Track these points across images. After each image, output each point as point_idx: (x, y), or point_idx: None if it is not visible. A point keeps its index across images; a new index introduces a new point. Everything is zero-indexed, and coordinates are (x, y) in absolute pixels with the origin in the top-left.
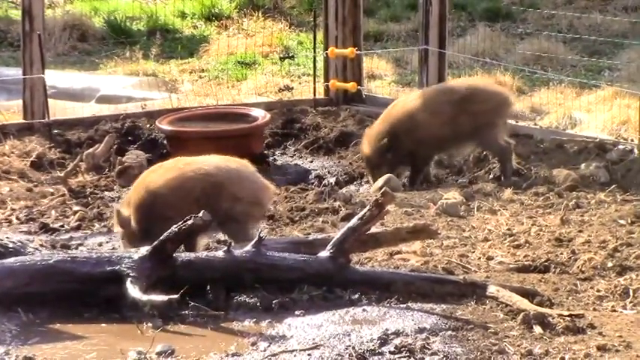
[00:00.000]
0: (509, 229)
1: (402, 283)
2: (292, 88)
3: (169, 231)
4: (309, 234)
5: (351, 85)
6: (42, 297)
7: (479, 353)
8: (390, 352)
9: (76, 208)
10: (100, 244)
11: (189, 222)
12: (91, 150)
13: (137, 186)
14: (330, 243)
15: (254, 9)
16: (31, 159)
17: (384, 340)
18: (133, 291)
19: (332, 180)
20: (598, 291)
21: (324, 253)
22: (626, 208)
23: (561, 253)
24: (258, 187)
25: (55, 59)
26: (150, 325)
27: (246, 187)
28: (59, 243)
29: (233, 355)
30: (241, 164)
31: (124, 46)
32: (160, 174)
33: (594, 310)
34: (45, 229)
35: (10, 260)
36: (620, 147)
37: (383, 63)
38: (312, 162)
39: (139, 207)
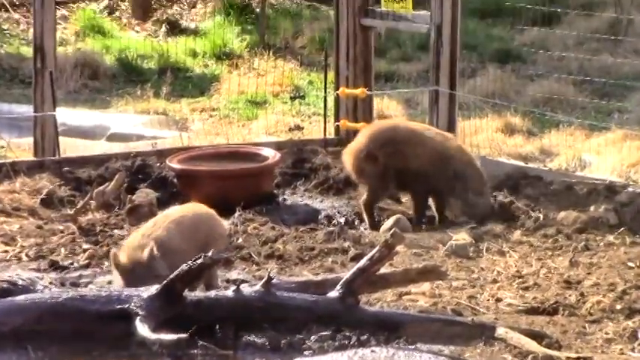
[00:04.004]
0: (518, 271)
1: (410, 324)
2: (303, 128)
3: (179, 270)
4: (319, 274)
5: (361, 126)
6: (51, 334)
7: None
8: None
9: (85, 245)
10: (110, 282)
11: (199, 261)
12: (101, 188)
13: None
14: (340, 283)
15: (265, 48)
16: (42, 196)
17: None
18: (142, 329)
19: (342, 220)
20: (606, 334)
21: (334, 293)
22: (635, 250)
23: (570, 296)
24: None
25: (66, 97)
26: None
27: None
28: (68, 281)
29: None
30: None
31: (135, 85)
32: None
33: (602, 352)
34: (54, 266)
35: (19, 297)
36: (630, 189)
37: (394, 103)
38: (321, 202)
39: None
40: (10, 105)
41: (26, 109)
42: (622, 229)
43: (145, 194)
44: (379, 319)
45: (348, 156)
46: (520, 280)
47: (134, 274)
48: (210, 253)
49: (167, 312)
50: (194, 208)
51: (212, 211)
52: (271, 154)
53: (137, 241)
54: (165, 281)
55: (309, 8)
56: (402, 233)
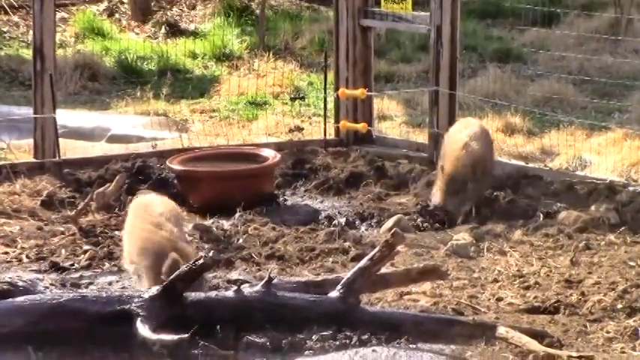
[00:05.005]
0: (518, 270)
1: (411, 324)
2: (303, 129)
3: (179, 270)
4: (319, 274)
5: (361, 126)
6: (52, 335)
7: None
8: None
9: (86, 247)
10: (110, 283)
11: (200, 261)
12: (101, 189)
13: None
14: (340, 283)
15: (265, 49)
16: (42, 198)
17: None
18: (143, 330)
19: (342, 220)
20: (607, 332)
21: (334, 294)
22: (635, 249)
23: (571, 295)
24: None
25: (65, 99)
26: None
27: None
28: (69, 282)
29: None
30: None
31: (135, 86)
32: None
33: (604, 351)
34: (55, 267)
35: (20, 299)
36: (631, 189)
37: (393, 104)
38: (322, 202)
39: None
40: (10, 107)
41: (26, 111)
42: (623, 228)
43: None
44: (380, 318)
45: None
46: (521, 279)
47: None
48: (210, 254)
49: (168, 312)
50: (163, 199)
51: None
52: (271, 155)
53: (182, 243)
54: (166, 282)
55: (308, 9)
56: (402, 233)
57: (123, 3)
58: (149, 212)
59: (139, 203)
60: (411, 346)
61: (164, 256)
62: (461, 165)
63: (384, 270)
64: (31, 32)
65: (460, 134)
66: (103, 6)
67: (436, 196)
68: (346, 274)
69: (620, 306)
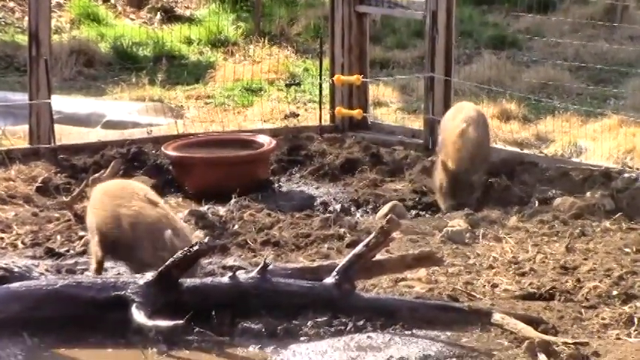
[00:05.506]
0: (514, 257)
1: (406, 310)
2: (298, 115)
3: (175, 256)
4: (315, 260)
5: (356, 112)
6: (47, 321)
7: None
8: None
9: (81, 233)
10: (105, 270)
11: (195, 247)
12: (96, 175)
13: None
14: (336, 269)
15: (260, 36)
16: (37, 184)
17: None
18: (139, 316)
19: (337, 207)
20: (603, 319)
21: (330, 280)
22: (631, 236)
23: (566, 281)
24: None
25: (61, 84)
26: (155, 350)
27: None
28: (64, 268)
29: None
30: None
31: (130, 72)
32: None
33: (599, 338)
34: (50, 253)
35: (15, 285)
36: (626, 175)
37: (389, 90)
38: (317, 189)
39: None
40: (5, 93)
41: (21, 97)
42: (618, 214)
43: (140, 182)
44: (375, 305)
45: None
46: (516, 265)
47: None
48: (206, 240)
49: (163, 298)
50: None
51: None
52: (267, 141)
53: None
54: (161, 268)
55: None
56: (398, 219)
57: None
58: (136, 192)
59: (116, 187)
60: (406, 332)
61: (162, 231)
62: (463, 161)
63: (379, 256)
64: (26, 18)
65: (456, 121)
66: None
67: (445, 201)
68: (341, 261)
69: (615, 292)
